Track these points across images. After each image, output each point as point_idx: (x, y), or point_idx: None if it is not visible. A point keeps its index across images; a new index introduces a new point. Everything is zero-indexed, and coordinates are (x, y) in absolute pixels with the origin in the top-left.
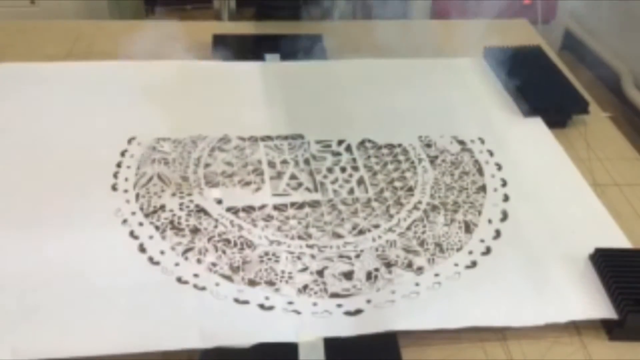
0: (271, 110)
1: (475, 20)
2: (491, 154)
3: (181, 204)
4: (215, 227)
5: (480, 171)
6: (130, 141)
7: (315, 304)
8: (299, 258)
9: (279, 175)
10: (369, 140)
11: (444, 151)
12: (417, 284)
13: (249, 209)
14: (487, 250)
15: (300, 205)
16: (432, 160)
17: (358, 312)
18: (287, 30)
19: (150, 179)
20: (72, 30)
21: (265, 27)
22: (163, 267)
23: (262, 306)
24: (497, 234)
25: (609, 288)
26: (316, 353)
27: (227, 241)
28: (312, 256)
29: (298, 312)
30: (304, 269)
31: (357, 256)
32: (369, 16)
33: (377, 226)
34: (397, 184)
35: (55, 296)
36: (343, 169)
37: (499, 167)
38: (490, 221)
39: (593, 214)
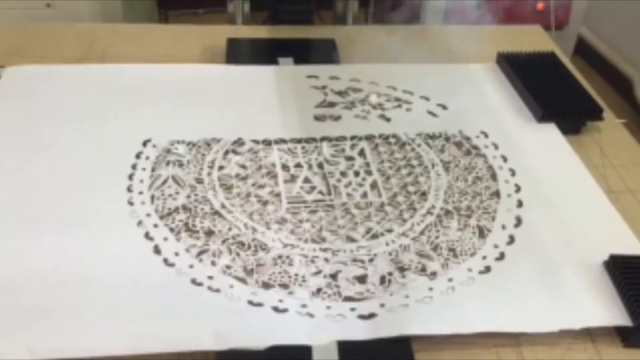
0: (285, 114)
1: (489, 26)
2: (505, 159)
3: (196, 207)
4: (230, 229)
5: (493, 176)
6: (145, 143)
7: (328, 307)
8: (312, 261)
9: (293, 178)
10: (382, 144)
11: (457, 156)
12: (430, 289)
13: (262, 212)
14: (501, 256)
15: (314, 209)
16: (446, 165)
17: (372, 315)
18: (301, 35)
19: (165, 181)
20: (87, 33)
21: (278, 32)
22: (177, 269)
23: (276, 309)
24: (511, 239)
25: (623, 295)
26: (330, 356)
27: (241, 244)
28: (326, 260)
29: (311, 315)
30: (318, 272)
31: (371, 260)
32: (381, 21)
33: (390, 230)
34: (411, 188)
35: (71, 297)
36: (356, 173)
37: (513, 172)
38: (504, 227)
39: (607, 220)
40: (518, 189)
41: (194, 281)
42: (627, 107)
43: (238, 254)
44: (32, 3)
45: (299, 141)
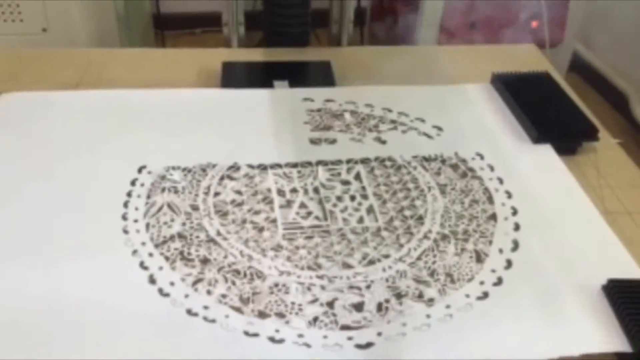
0: (280, 138)
1: (483, 46)
2: (501, 181)
3: (191, 234)
4: (225, 257)
5: (490, 199)
6: (140, 170)
7: (325, 337)
8: (309, 289)
9: (289, 203)
10: (378, 167)
11: (454, 179)
12: (428, 316)
13: (258, 239)
14: (499, 281)
15: (310, 235)
16: (442, 188)
17: (369, 345)
18: (296, 57)
19: (160, 208)
20: (83, 58)
21: (273, 54)
22: (173, 299)
23: (272, 339)
24: (509, 264)
25: (622, 320)
26: None
27: (237, 272)
28: (322, 287)
29: (308, 345)
30: (314, 300)
31: (368, 287)
32: (376, 42)
33: (387, 256)
34: (407, 212)
35: (66, 328)
36: (352, 197)
37: (509, 195)
38: (501, 251)
39: (605, 243)
40: (515, 211)
41: (189, 311)
42: (623, 122)
43: (234, 283)
44: (28, 28)
45: (294, 165)
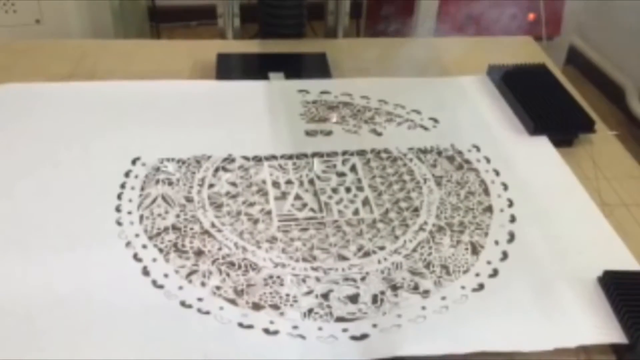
0: (275, 129)
1: (480, 38)
2: (497, 173)
3: (185, 226)
4: (220, 249)
5: (486, 191)
6: (134, 162)
7: (320, 329)
8: (303, 281)
9: (284, 195)
10: (374, 159)
11: (450, 170)
12: (423, 308)
13: (253, 231)
14: (495, 273)
15: (305, 227)
16: (438, 180)
17: (364, 336)
18: (291, 49)
19: (154, 200)
20: (76, 49)
21: (269, 46)
22: (166, 291)
23: (266, 331)
24: (504, 255)
25: (618, 311)
26: None
27: (232, 264)
28: (317, 279)
29: (303, 337)
30: (309, 292)
31: (363, 279)
32: (373, 35)
33: (382, 248)
34: (403, 204)
35: (60, 322)
36: (348, 189)
37: (505, 187)
38: (497, 242)
39: (601, 234)
40: (511, 203)
41: (183, 303)
42: (620, 115)
43: (228, 275)
44: (22, 19)
45: (290, 157)
